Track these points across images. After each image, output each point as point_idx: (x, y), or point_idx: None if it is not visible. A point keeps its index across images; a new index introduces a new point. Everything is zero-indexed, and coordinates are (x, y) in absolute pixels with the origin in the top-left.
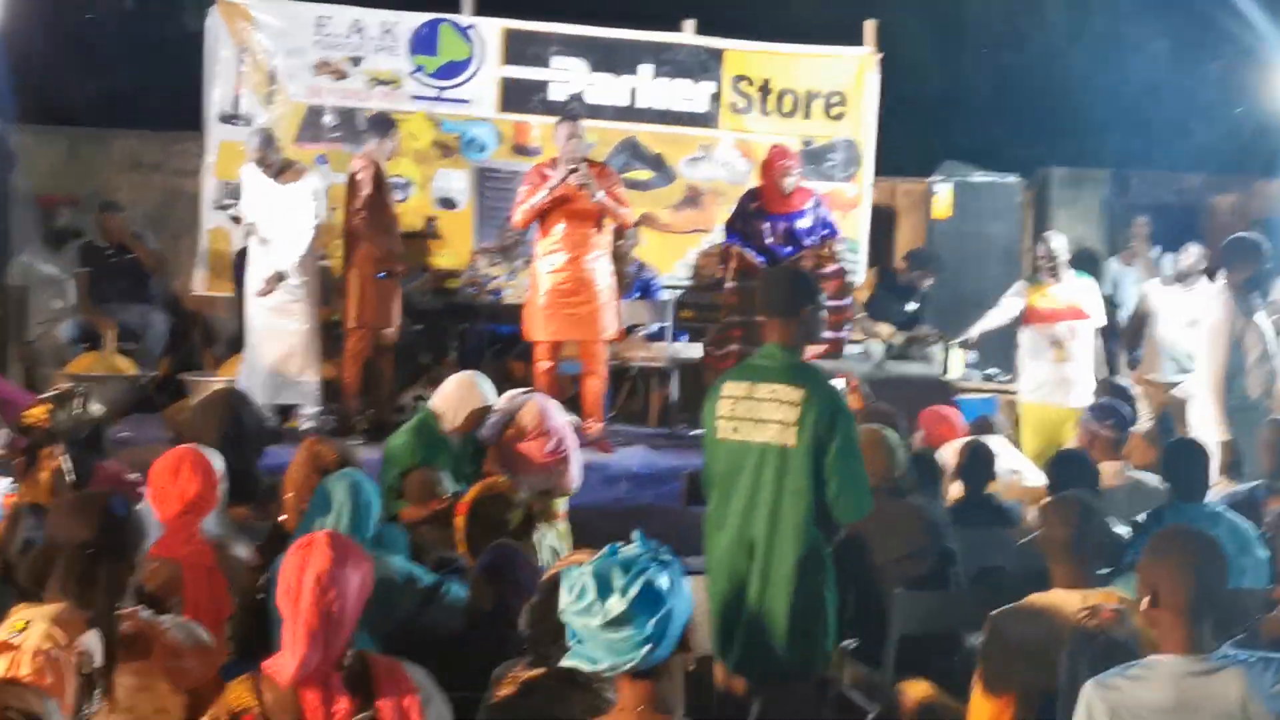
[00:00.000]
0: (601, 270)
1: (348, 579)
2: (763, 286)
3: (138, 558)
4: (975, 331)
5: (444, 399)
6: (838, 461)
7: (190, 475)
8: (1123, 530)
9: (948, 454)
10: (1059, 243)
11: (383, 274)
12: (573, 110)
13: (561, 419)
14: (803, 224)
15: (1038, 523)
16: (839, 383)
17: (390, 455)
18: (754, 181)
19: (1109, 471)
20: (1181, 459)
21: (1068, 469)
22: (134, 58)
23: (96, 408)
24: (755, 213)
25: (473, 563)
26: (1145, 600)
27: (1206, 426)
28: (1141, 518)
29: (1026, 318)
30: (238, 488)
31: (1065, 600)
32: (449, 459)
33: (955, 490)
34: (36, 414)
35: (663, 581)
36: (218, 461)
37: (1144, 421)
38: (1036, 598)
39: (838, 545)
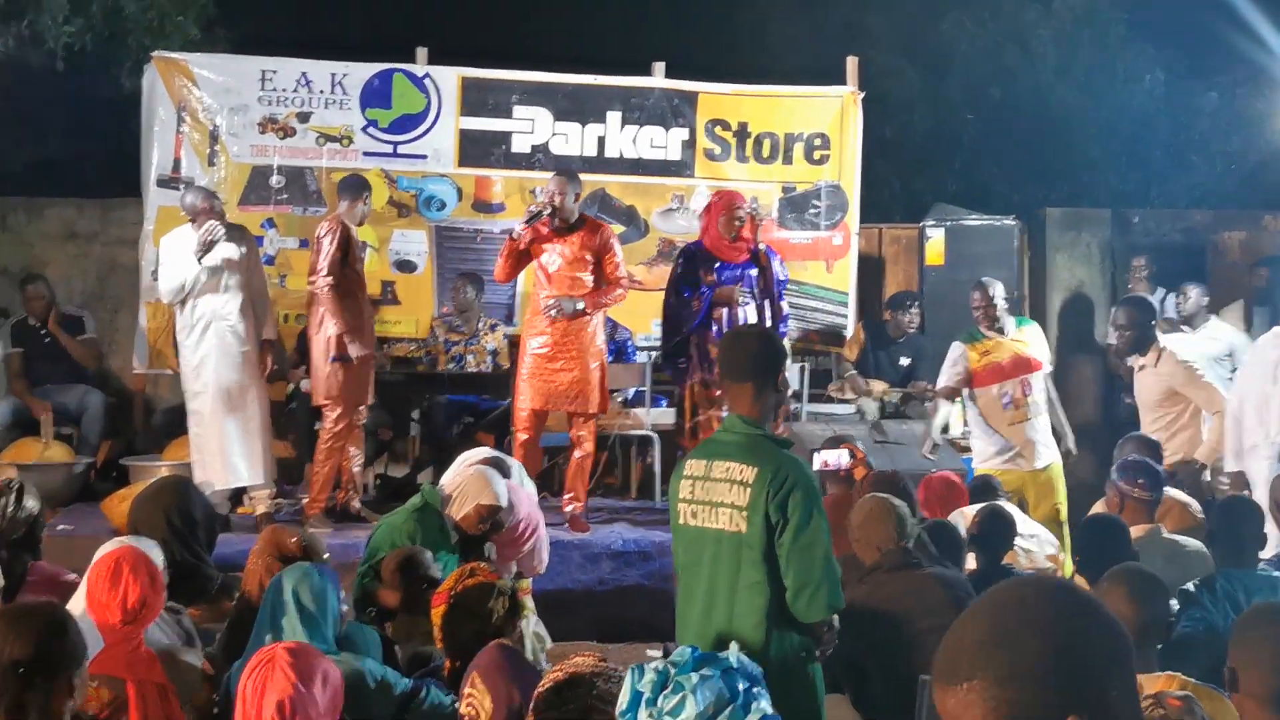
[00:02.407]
0: (589, 335)
1: (314, 700)
2: (723, 349)
3: (78, 678)
4: (937, 396)
5: (455, 485)
6: (791, 550)
7: (131, 579)
8: (1171, 603)
9: (959, 521)
10: (997, 289)
11: (337, 357)
12: (565, 168)
13: (522, 494)
14: (753, 274)
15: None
16: (841, 455)
17: (384, 535)
18: None
19: (1142, 537)
20: (1232, 519)
21: (1099, 537)
22: (67, 121)
23: (31, 503)
24: (702, 262)
25: (452, 662)
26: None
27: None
28: (1190, 587)
29: (973, 382)
30: (188, 584)
31: None
32: (449, 546)
33: (969, 562)
34: None
35: None
36: (157, 556)
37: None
38: None
39: (846, 621)
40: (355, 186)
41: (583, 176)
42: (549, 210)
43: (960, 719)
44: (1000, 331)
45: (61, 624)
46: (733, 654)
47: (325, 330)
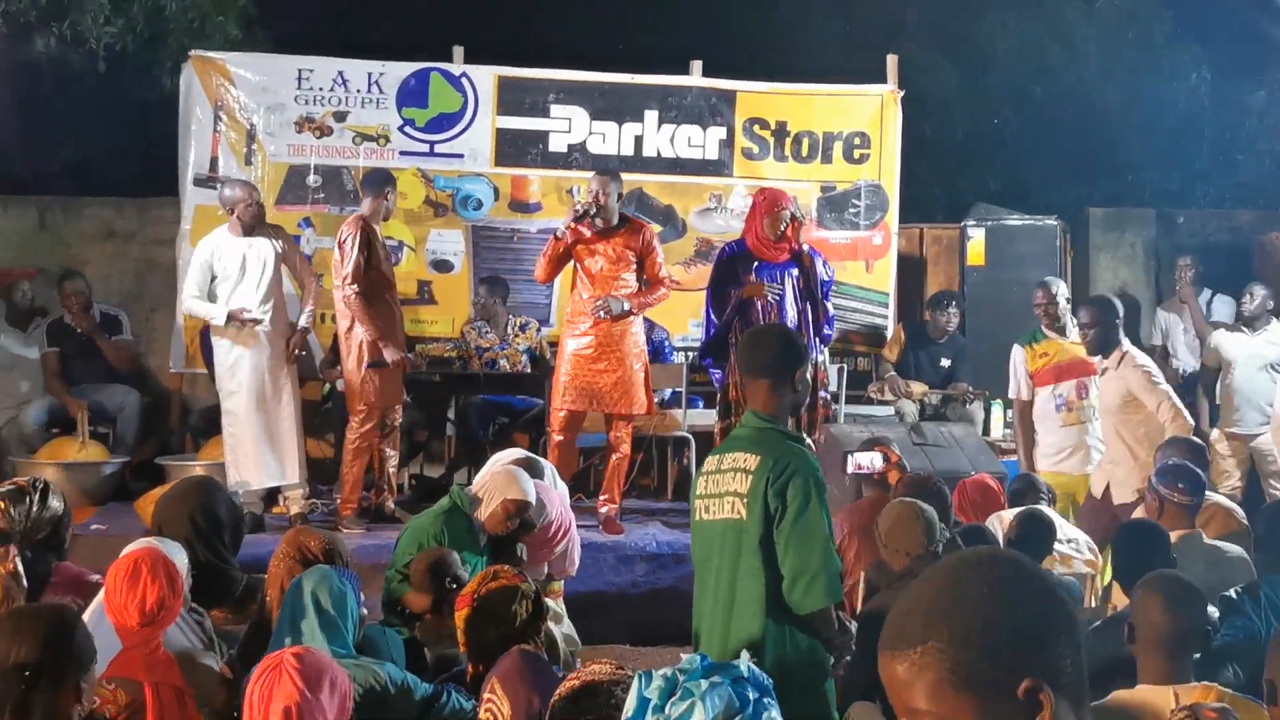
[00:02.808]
0: (632, 336)
1: (321, 706)
2: (742, 346)
3: (85, 682)
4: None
5: (482, 486)
6: (789, 537)
7: (149, 581)
8: (1211, 611)
9: (996, 526)
10: (1059, 288)
11: (372, 363)
12: (606, 167)
13: (553, 494)
14: (796, 273)
15: (1134, 607)
16: (874, 457)
17: (411, 537)
18: None
19: (1182, 542)
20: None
21: (1137, 542)
22: (107, 121)
23: (56, 503)
24: (741, 262)
25: (475, 667)
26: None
27: None
28: (1232, 594)
29: (1032, 382)
30: (212, 586)
31: (1157, 699)
32: (476, 548)
33: None
34: None
35: None
36: (182, 558)
37: (1233, 480)
38: (1123, 695)
39: (874, 627)
40: (377, 182)
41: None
42: (594, 210)
43: (912, 685)
44: (1061, 332)
45: (68, 627)
46: (743, 662)
47: (355, 336)
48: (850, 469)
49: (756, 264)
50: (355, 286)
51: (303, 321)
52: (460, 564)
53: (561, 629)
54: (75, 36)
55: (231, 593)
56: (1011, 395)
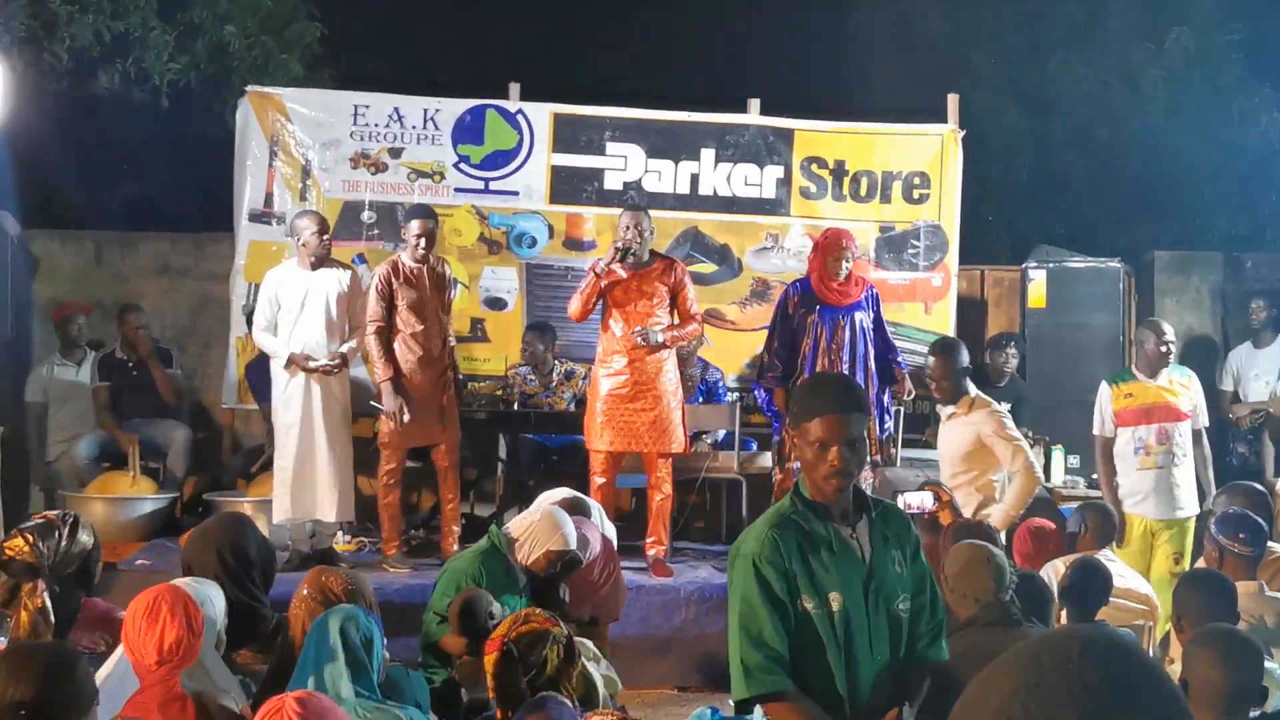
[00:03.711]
0: (667, 374)
1: None
2: (800, 395)
3: None
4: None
5: (523, 528)
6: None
7: (169, 619)
8: (1272, 667)
9: (1050, 575)
10: (1170, 330)
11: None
12: (633, 200)
13: (598, 534)
14: (860, 317)
15: (1186, 662)
16: (925, 497)
17: (450, 579)
18: None
19: (1243, 595)
20: None
21: (1198, 594)
22: (168, 158)
23: (85, 537)
24: (802, 304)
25: (503, 712)
26: None
27: None
28: None
29: (1115, 422)
30: (243, 625)
31: None
32: (515, 589)
33: (1060, 617)
34: (17, 546)
35: None
36: (218, 598)
37: None
38: None
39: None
40: (407, 214)
41: (676, 214)
42: (635, 247)
43: None
44: (1153, 375)
45: (67, 666)
46: (756, 716)
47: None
48: (900, 507)
49: (819, 307)
50: (371, 332)
51: (343, 349)
52: (495, 604)
53: (600, 669)
54: (139, 73)
55: (262, 631)
56: (1095, 432)
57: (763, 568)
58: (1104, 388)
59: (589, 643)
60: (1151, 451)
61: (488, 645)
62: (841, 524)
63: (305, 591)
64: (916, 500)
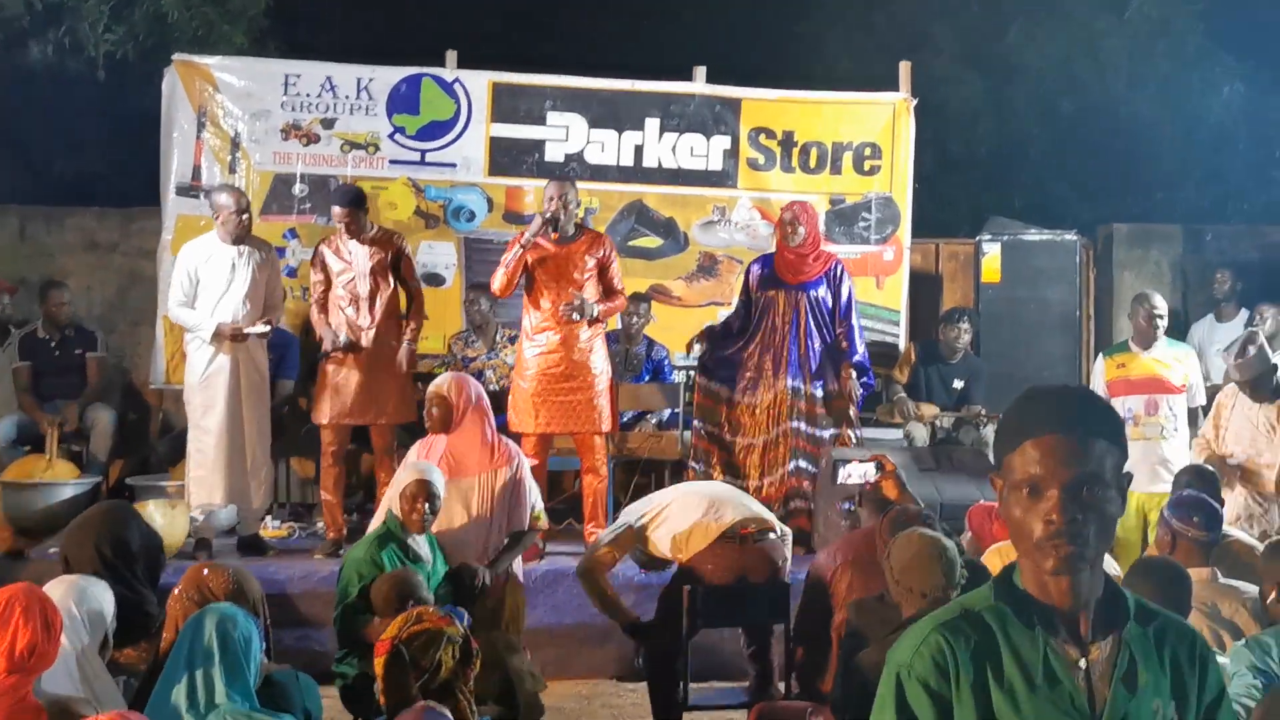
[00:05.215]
0: (598, 351)
1: None
2: (1007, 417)
3: None
4: None
5: (390, 499)
6: None
7: (21, 623)
8: (1223, 661)
9: (995, 559)
10: (1161, 302)
11: (323, 353)
12: (575, 173)
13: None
14: (819, 294)
15: None
16: (867, 468)
17: (346, 572)
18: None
19: (1196, 582)
20: None
21: (1154, 584)
22: (104, 132)
23: None
24: (762, 281)
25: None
26: None
27: None
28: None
29: (1109, 391)
30: (126, 623)
31: None
32: (425, 572)
33: None
34: None
35: None
36: (105, 596)
37: None
38: None
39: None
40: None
41: (619, 187)
42: (561, 218)
43: None
44: (1147, 347)
45: None
46: None
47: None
48: (840, 479)
49: (780, 283)
50: (313, 304)
51: (258, 328)
52: (424, 586)
53: (519, 662)
54: (74, 44)
55: (147, 629)
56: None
57: (910, 689)
58: (1099, 360)
59: (510, 636)
60: (1140, 422)
61: (376, 647)
62: (1068, 641)
63: (181, 589)
64: (859, 472)
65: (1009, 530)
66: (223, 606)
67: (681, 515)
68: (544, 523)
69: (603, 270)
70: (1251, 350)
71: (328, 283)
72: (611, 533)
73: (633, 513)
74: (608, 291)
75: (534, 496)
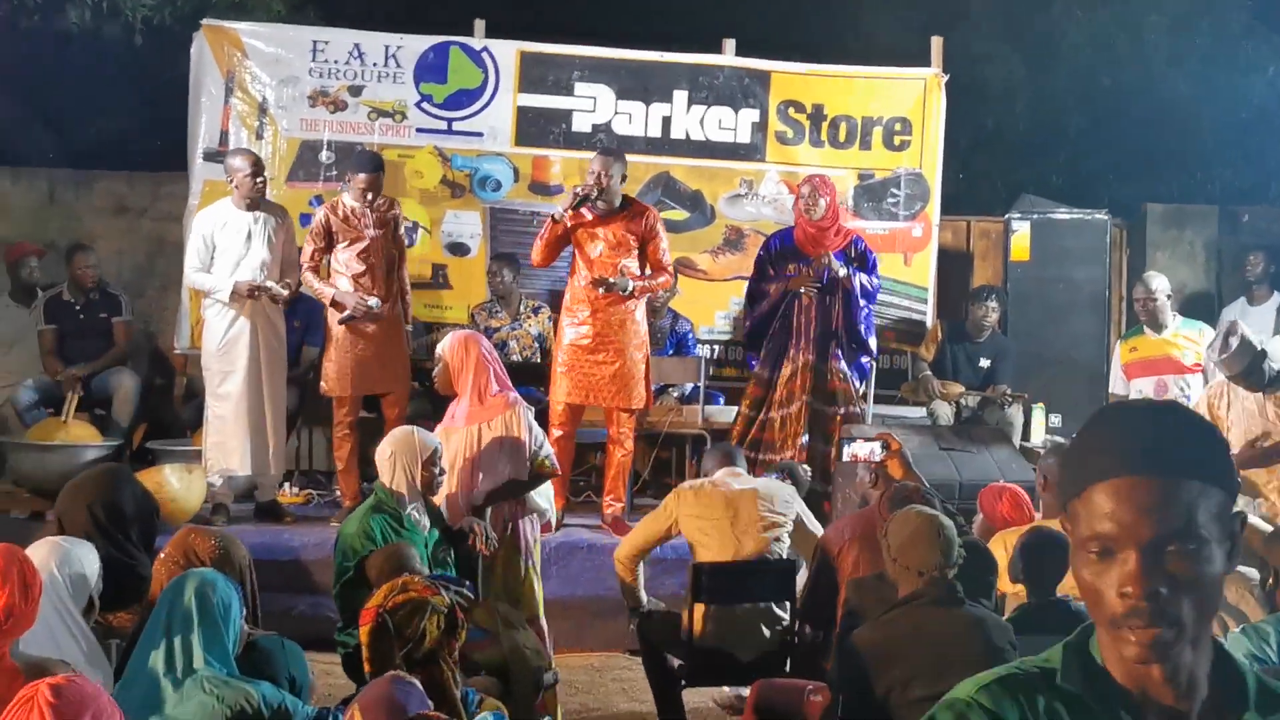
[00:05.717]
0: (631, 327)
1: None
2: (1073, 446)
3: None
4: None
5: (380, 463)
6: None
7: None
8: None
9: (999, 546)
10: (1159, 284)
11: (343, 319)
12: (603, 144)
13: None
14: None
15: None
16: (873, 447)
17: (341, 546)
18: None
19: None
20: None
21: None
22: (136, 95)
23: None
24: (780, 256)
25: None
26: None
27: None
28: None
29: (1125, 375)
30: (119, 586)
31: None
32: (420, 542)
33: (1014, 592)
34: None
35: None
36: (91, 557)
37: None
38: None
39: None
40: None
41: (646, 159)
42: (596, 193)
43: None
44: (1158, 329)
45: None
46: None
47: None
48: (845, 457)
49: (800, 257)
50: (304, 268)
51: (276, 287)
52: (418, 558)
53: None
54: (111, 8)
55: (140, 592)
56: (1110, 390)
57: None
58: (1118, 344)
59: (514, 611)
60: None
61: (362, 615)
62: None
63: (166, 553)
64: (865, 450)
65: (1080, 593)
66: (204, 571)
67: None
68: (551, 468)
69: (645, 244)
70: (1234, 343)
71: (328, 249)
72: None
73: None
74: (653, 267)
75: (539, 443)
